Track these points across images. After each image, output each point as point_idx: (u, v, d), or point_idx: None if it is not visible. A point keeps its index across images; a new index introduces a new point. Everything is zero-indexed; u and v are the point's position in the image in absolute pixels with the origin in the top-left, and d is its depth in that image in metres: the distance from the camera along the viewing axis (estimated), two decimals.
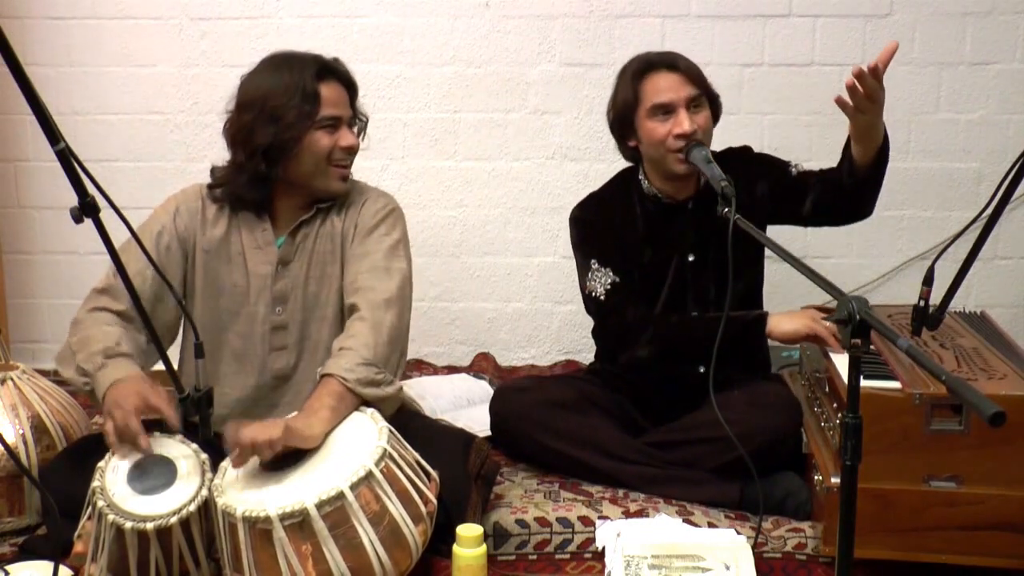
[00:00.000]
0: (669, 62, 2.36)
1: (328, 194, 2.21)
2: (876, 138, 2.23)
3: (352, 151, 2.21)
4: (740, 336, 2.33)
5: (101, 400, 1.99)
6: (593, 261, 2.44)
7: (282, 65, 2.16)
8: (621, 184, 2.53)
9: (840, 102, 2.12)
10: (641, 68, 2.38)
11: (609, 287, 2.41)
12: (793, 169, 2.45)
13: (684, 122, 2.31)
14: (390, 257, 2.17)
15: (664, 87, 2.34)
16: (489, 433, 2.56)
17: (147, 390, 1.94)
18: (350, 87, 2.23)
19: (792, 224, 2.52)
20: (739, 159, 2.46)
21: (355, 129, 2.24)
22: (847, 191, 2.33)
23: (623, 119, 2.40)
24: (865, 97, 2.08)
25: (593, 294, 2.44)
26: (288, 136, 2.10)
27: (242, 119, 2.14)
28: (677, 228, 2.45)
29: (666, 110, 2.33)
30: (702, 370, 2.43)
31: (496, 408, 2.52)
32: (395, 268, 2.16)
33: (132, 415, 1.90)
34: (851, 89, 2.08)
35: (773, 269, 2.59)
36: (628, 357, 2.43)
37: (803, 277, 1.72)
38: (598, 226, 2.47)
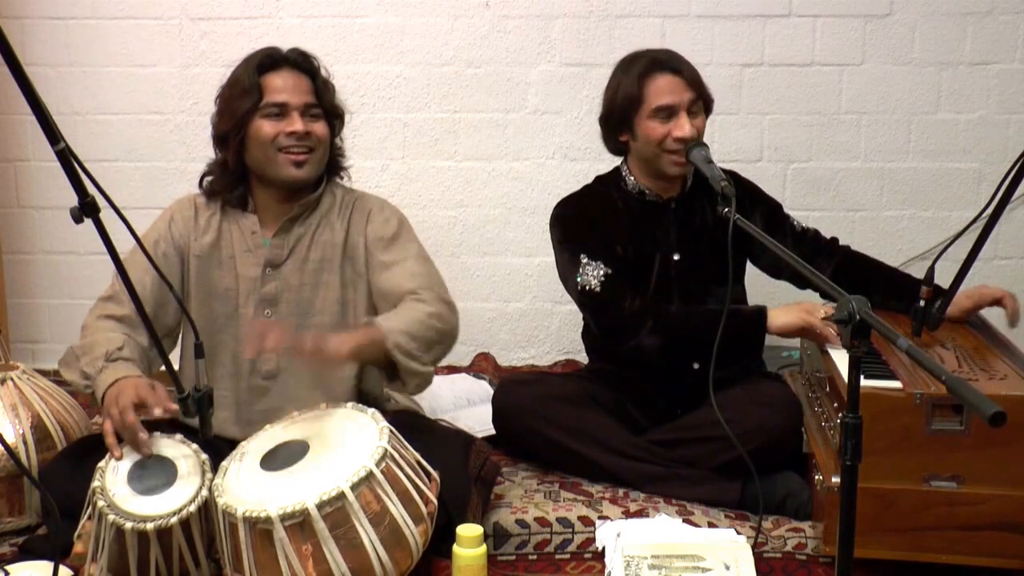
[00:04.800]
0: (674, 66, 2.39)
1: (285, 182, 2.20)
2: None
3: (303, 136, 2.17)
4: (742, 330, 2.33)
5: (101, 401, 2.01)
6: (583, 255, 2.44)
7: (240, 63, 2.24)
8: (600, 186, 2.56)
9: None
10: (646, 68, 2.39)
11: (603, 279, 2.41)
12: (790, 220, 2.55)
13: (685, 126, 2.34)
14: (425, 264, 2.23)
15: (668, 89, 2.36)
16: (490, 432, 2.56)
17: (144, 388, 1.95)
18: (311, 75, 2.23)
19: (761, 268, 2.61)
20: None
21: (318, 117, 2.21)
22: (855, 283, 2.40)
23: (622, 115, 2.41)
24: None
25: (587, 287, 2.43)
26: (232, 125, 2.17)
27: (214, 116, 2.25)
28: (660, 226, 2.47)
29: (668, 112, 2.35)
30: (696, 367, 2.43)
31: (498, 401, 2.52)
32: (435, 274, 2.23)
33: (129, 410, 1.91)
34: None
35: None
36: (632, 347, 2.40)
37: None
38: (582, 221, 2.49)
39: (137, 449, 1.93)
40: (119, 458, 1.91)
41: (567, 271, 2.48)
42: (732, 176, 2.53)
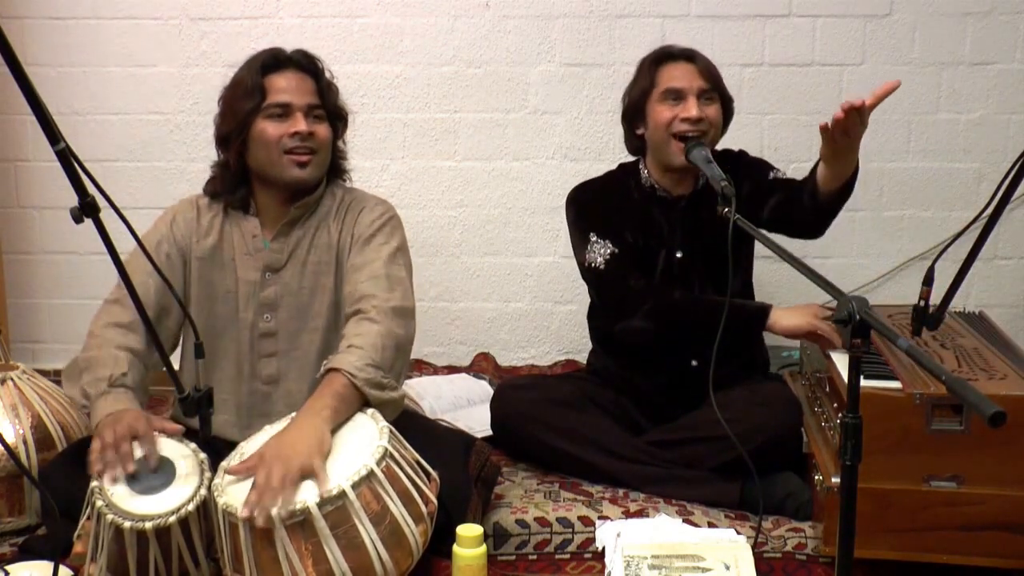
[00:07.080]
0: (688, 54, 2.43)
1: (288, 183, 2.18)
2: (845, 170, 2.22)
3: (306, 137, 2.16)
4: (741, 326, 2.33)
5: (95, 426, 1.97)
6: (592, 234, 2.46)
7: (243, 63, 2.22)
8: (619, 173, 2.58)
9: (823, 128, 2.10)
10: (660, 56, 2.44)
11: (608, 257, 2.43)
12: (771, 173, 2.47)
13: (692, 108, 2.35)
14: (390, 265, 2.16)
15: (678, 74, 2.39)
16: (489, 433, 2.56)
17: (141, 422, 1.93)
18: (315, 76, 2.22)
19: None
20: (731, 161, 2.48)
21: (321, 118, 2.20)
22: (804, 210, 2.34)
23: (636, 105, 2.45)
24: (843, 131, 2.07)
25: (592, 264, 2.44)
26: (234, 126, 2.16)
27: (217, 117, 2.24)
28: (668, 222, 2.48)
29: (677, 95, 2.37)
30: (694, 364, 2.43)
31: (497, 406, 2.52)
32: (396, 277, 2.15)
33: (126, 439, 1.88)
34: (836, 121, 2.06)
35: (773, 269, 2.60)
36: (625, 327, 2.41)
37: (803, 277, 1.73)
38: (596, 204, 2.51)
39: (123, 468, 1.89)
40: (99, 473, 1.86)
41: (576, 249, 2.51)
42: (739, 154, 2.53)
